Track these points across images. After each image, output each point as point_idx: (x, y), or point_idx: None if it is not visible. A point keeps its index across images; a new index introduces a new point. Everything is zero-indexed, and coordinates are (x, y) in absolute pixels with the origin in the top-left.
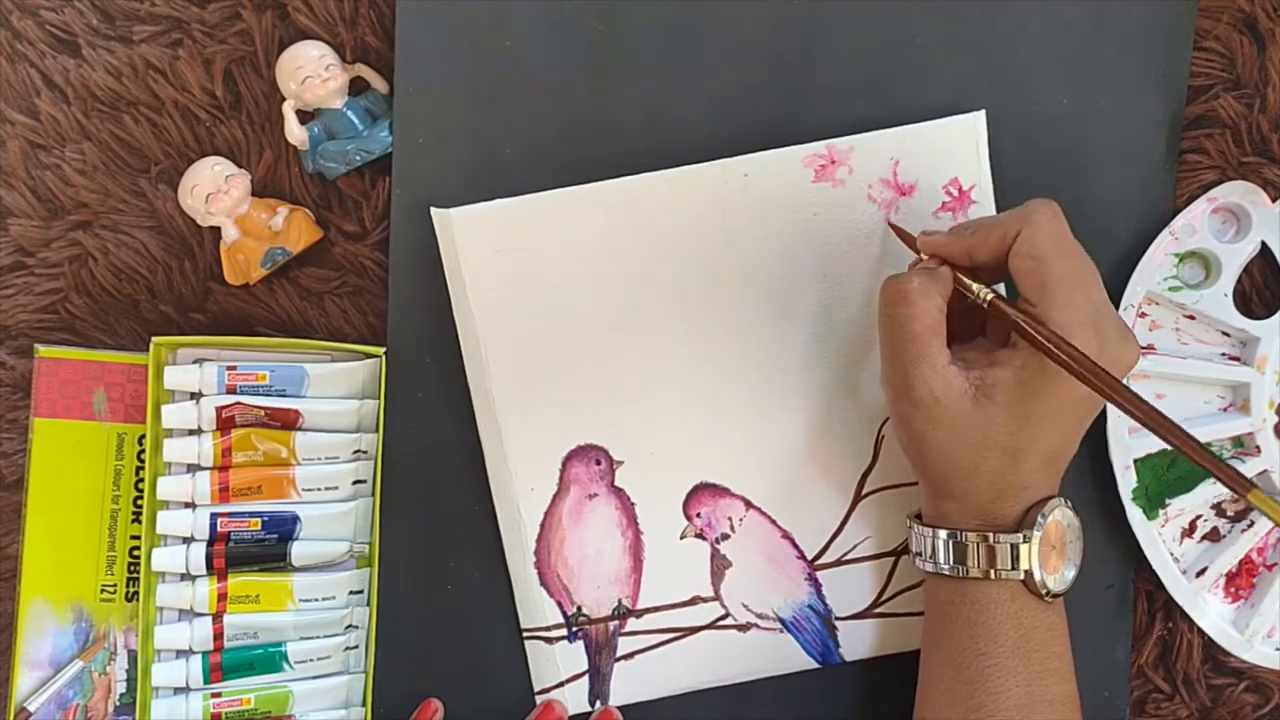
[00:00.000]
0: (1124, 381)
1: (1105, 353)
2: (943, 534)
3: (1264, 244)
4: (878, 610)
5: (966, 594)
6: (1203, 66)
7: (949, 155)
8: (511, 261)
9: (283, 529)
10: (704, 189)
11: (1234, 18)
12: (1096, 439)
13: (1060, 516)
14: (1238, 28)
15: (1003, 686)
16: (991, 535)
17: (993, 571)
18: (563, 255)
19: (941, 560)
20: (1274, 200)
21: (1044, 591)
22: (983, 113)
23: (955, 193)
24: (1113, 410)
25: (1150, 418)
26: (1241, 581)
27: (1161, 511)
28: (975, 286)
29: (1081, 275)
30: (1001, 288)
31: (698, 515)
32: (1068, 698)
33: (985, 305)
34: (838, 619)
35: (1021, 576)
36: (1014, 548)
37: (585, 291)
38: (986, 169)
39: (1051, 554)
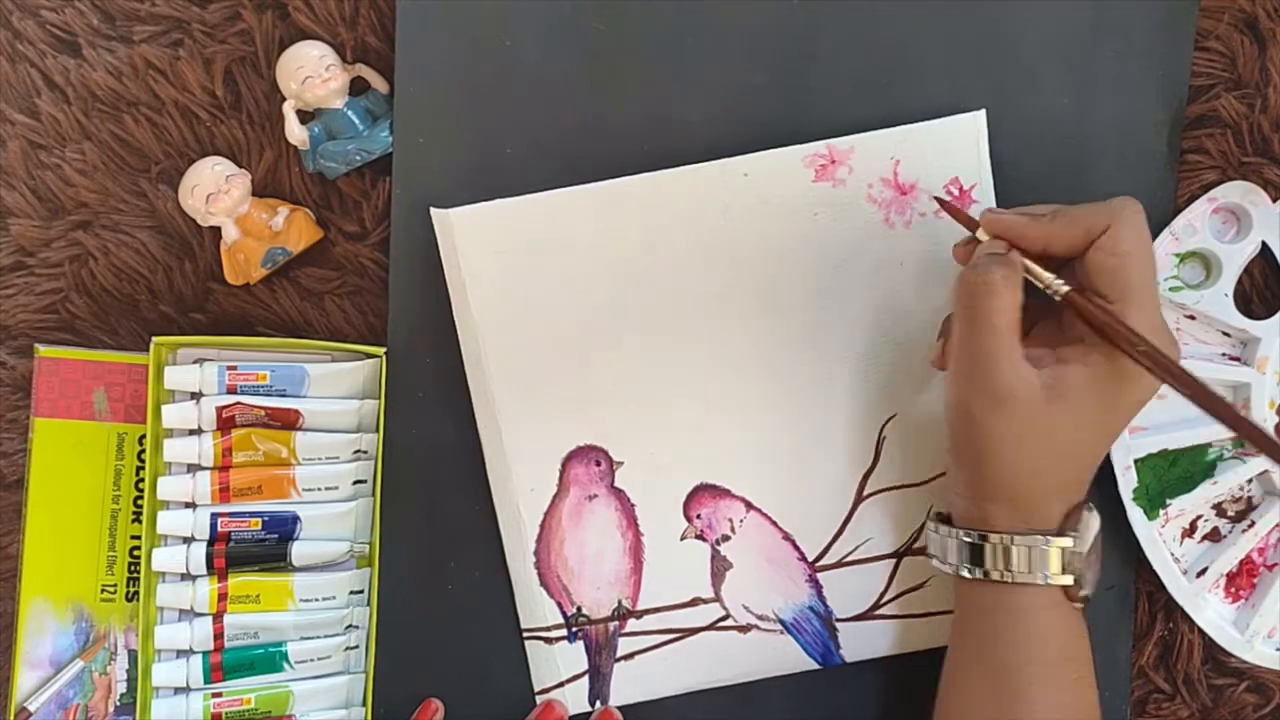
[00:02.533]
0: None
1: (1169, 352)
2: (975, 536)
3: (1264, 244)
4: (879, 612)
5: (1008, 600)
6: (1204, 66)
7: (949, 155)
8: (511, 261)
9: (283, 529)
10: (704, 189)
11: (1235, 18)
12: None
13: (1093, 519)
14: (1238, 28)
15: (1043, 695)
16: (1042, 537)
17: (1040, 575)
18: (562, 255)
19: (972, 562)
20: (1275, 200)
21: (1080, 596)
22: (983, 112)
23: (956, 192)
24: None
25: (1237, 424)
26: (1242, 582)
27: (1162, 512)
28: (1048, 277)
29: (1153, 278)
30: None
31: (698, 516)
32: (1092, 707)
33: (1059, 298)
34: (838, 620)
35: (1068, 581)
36: (1064, 552)
37: (585, 291)
38: (987, 168)
39: (1089, 558)
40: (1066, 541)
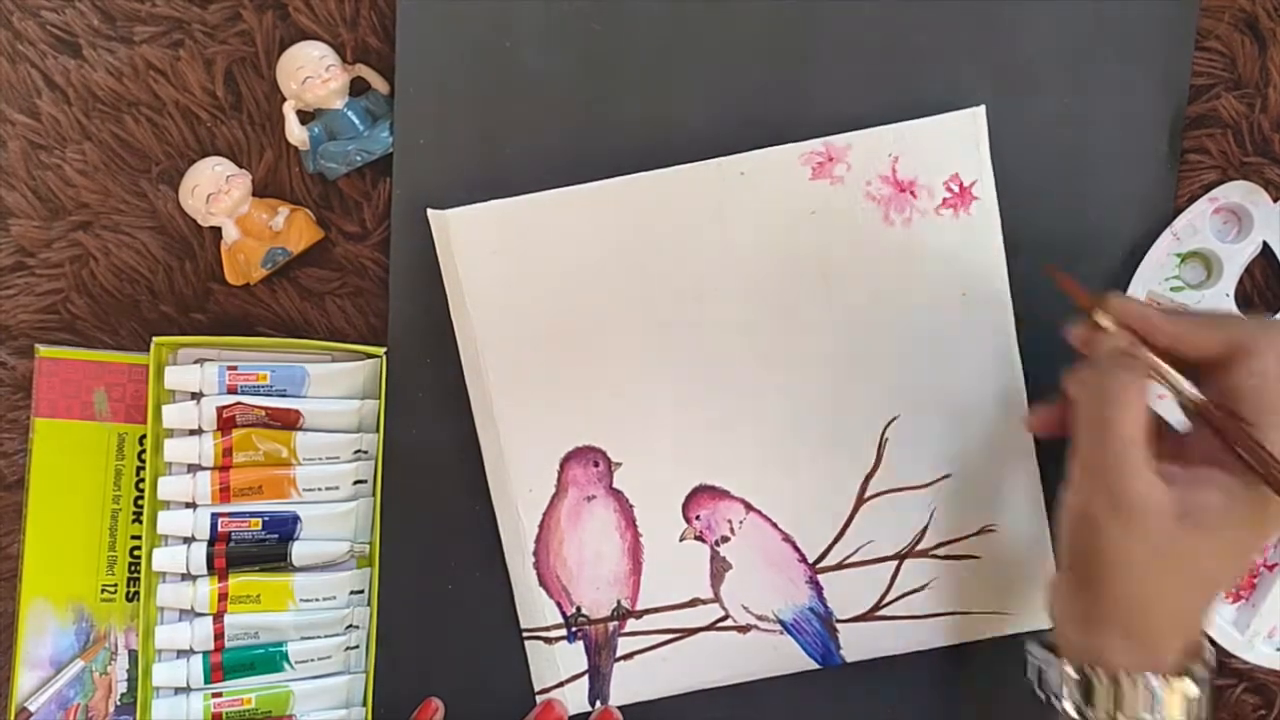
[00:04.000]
0: None
1: None
2: (1098, 673)
3: (1265, 244)
4: (880, 613)
5: None
6: (1204, 66)
7: (949, 151)
8: (508, 262)
9: (283, 529)
10: (701, 187)
11: (1235, 18)
12: None
13: (1212, 659)
14: (1239, 28)
15: None
16: (1161, 680)
17: (1159, 718)
18: (559, 255)
19: (1086, 701)
20: (1275, 200)
21: None
22: (983, 108)
23: (956, 189)
24: None
25: None
26: (1242, 582)
27: None
28: (1185, 384)
29: None
30: None
31: (697, 517)
32: None
33: (1194, 410)
34: (839, 621)
35: None
36: (1185, 697)
37: (582, 291)
38: (988, 164)
39: (1208, 703)
40: (1188, 686)
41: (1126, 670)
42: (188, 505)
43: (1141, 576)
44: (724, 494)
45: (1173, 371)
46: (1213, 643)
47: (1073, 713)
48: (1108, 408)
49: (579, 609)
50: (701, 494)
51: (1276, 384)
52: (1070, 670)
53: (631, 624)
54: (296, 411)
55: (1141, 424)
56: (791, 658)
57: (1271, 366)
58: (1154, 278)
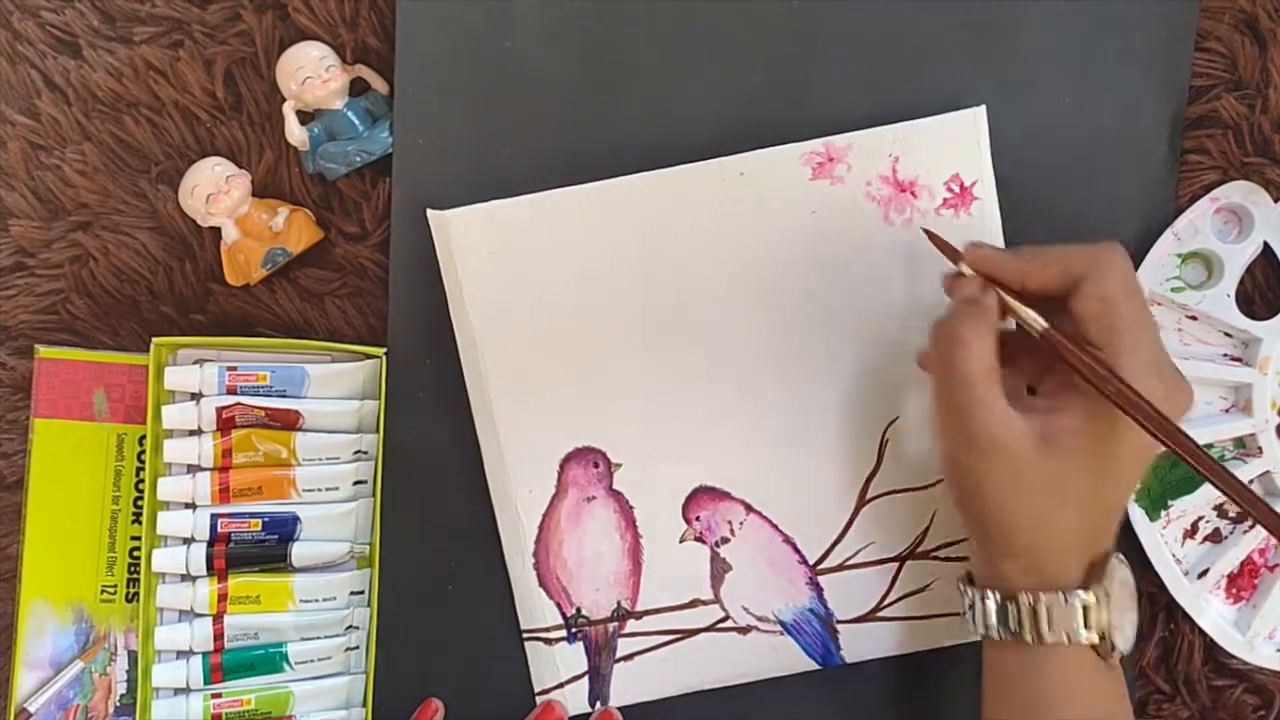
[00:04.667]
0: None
1: (1169, 398)
2: (998, 596)
3: (1266, 244)
4: (881, 614)
5: (1033, 663)
6: (1204, 67)
7: (949, 151)
8: (508, 262)
9: (283, 530)
10: (701, 188)
11: (1235, 18)
12: None
13: (1121, 574)
14: (1239, 28)
15: None
16: (1060, 594)
17: (1063, 634)
18: (559, 256)
19: (999, 624)
20: (1276, 200)
21: (1111, 651)
22: (983, 108)
23: (956, 189)
24: None
25: (1214, 474)
26: (1243, 583)
27: (1163, 513)
28: (1028, 314)
29: (1146, 317)
30: None
31: (697, 518)
32: None
33: (1038, 336)
34: (839, 622)
35: (1095, 639)
36: (1086, 608)
37: (582, 292)
38: (988, 164)
39: (1118, 612)
40: (1089, 597)
41: (1027, 590)
42: (187, 506)
43: (1011, 504)
44: (724, 495)
45: (1016, 304)
46: (1211, 641)
47: (994, 636)
48: (952, 350)
49: (579, 610)
50: (702, 495)
51: (1116, 306)
52: (987, 599)
53: (631, 625)
54: (296, 412)
55: (985, 362)
56: (791, 658)
57: (1110, 289)
58: (1154, 278)
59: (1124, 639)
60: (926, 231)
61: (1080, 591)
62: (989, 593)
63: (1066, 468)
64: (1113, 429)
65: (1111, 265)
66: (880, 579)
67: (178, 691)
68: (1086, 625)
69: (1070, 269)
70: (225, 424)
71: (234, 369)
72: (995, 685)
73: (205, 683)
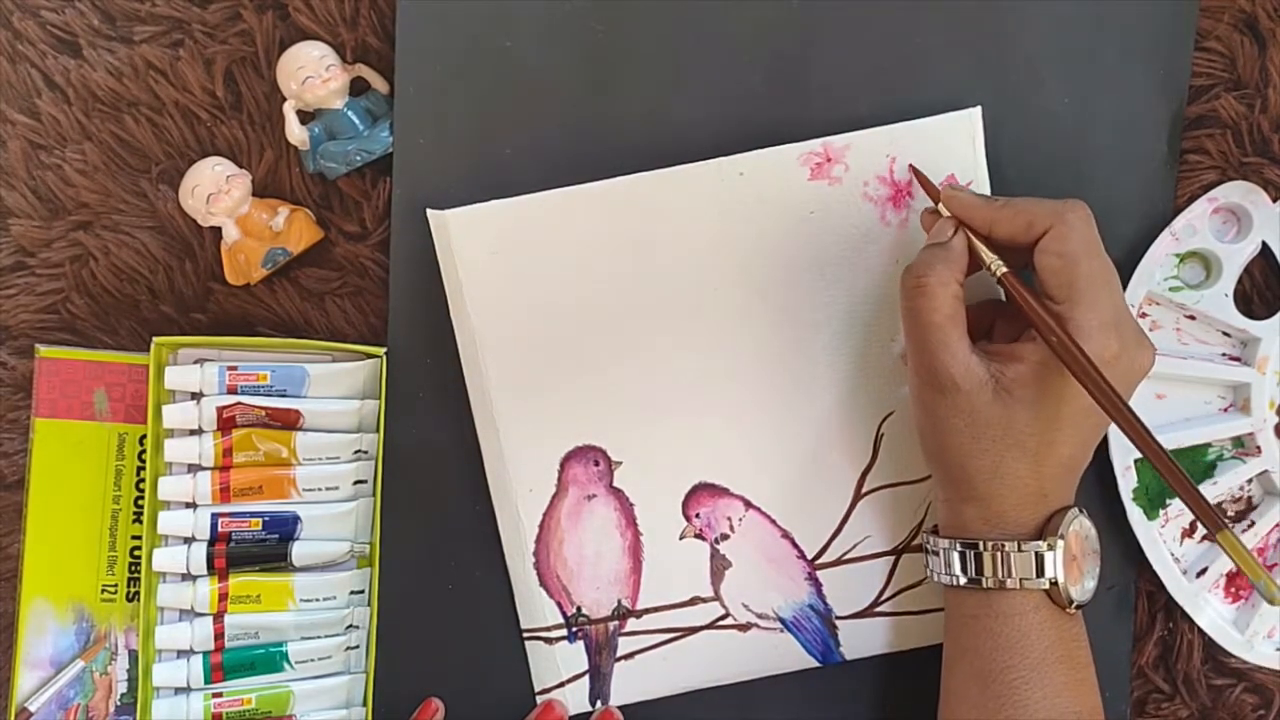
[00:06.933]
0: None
1: (1124, 356)
2: (961, 544)
3: (1265, 244)
4: (878, 609)
5: (990, 606)
6: (1204, 67)
7: (945, 151)
8: (507, 262)
9: (283, 529)
10: (699, 188)
11: (1235, 18)
12: None
13: (1079, 527)
14: (1238, 28)
15: (1030, 699)
16: (1016, 543)
17: (1018, 581)
18: (558, 255)
19: (961, 571)
20: (1275, 200)
21: (1068, 602)
22: (979, 109)
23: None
24: None
25: (1142, 439)
26: (1242, 582)
27: (1162, 512)
28: (989, 257)
29: (1106, 277)
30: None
31: (697, 515)
32: (1094, 711)
33: (996, 278)
34: (838, 618)
35: (1046, 585)
36: (1039, 556)
37: (581, 291)
38: (983, 164)
39: (1073, 564)
40: (1041, 546)
41: (985, 539)
42: (188, 505)
43: (970, 448)
44: (723, 491)
45: (981, 246)
46: (1210, 640)
47: (948, 581)
48: (916, 297)
49: (579, 609)
50: (701, 492)
51: (1076, 262)
52: (946, 546)
53: (632, 623)
54: (296, 411)
55: (948, 307)
56: (792, 656)
57: (1070, 246)
58: (1153, 278)
59: (1081, 591)
60: (912, 168)
61: (1036, 541)
62: (952, 541)
63: (1018, 416)
64: (1064, 380)
65: (1073, 223)
66: (877, 573)
67: (178, 691)
68: (1040, 573)
69: (1034, 222)
70: (226, 423)
71: (234, 368)
72: (955, 626)
73: (206, 682)
